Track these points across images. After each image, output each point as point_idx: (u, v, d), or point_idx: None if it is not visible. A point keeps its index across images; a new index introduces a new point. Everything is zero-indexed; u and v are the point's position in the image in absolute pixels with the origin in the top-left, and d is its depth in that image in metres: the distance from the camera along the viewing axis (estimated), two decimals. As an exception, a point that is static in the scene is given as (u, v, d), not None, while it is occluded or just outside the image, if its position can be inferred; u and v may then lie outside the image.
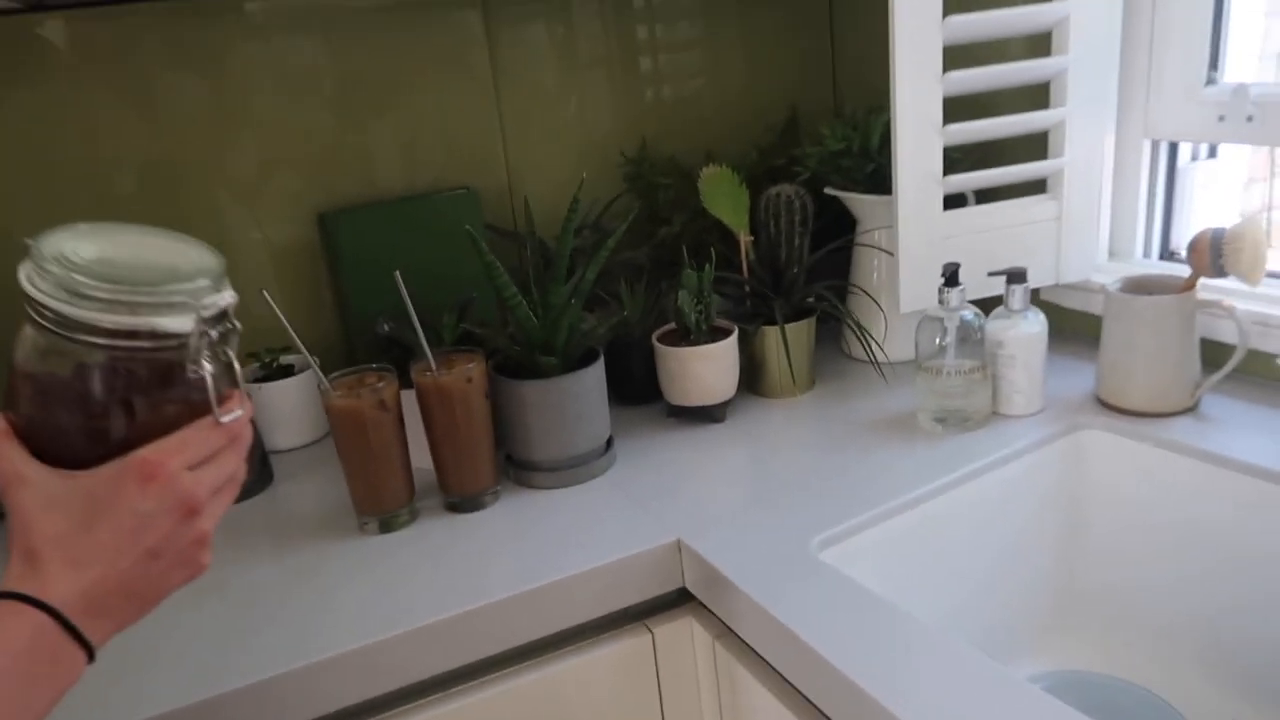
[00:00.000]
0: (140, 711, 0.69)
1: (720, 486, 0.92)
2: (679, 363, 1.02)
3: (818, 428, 1.02)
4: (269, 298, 0.83)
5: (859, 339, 1.09)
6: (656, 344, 1.04)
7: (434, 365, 0.88)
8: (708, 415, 1.05)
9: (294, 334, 0.86)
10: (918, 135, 0.98)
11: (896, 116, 0.97)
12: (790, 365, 1.06)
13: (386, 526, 0.89)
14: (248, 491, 1.00)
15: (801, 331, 1.07)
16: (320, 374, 0.87)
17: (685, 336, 1.04)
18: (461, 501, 0.92)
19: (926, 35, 0.95)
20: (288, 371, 1.12)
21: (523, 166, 1.28)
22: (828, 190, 1.15)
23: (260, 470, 1.02)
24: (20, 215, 1.06)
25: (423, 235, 1.18)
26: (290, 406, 1.10)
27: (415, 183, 1.23)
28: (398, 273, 0.86)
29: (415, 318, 0.87)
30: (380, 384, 0.88)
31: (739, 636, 0.80)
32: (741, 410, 1.07)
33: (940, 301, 0.94)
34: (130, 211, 1.10)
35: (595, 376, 0.95)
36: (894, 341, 1.12)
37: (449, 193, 1.22)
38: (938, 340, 0.95)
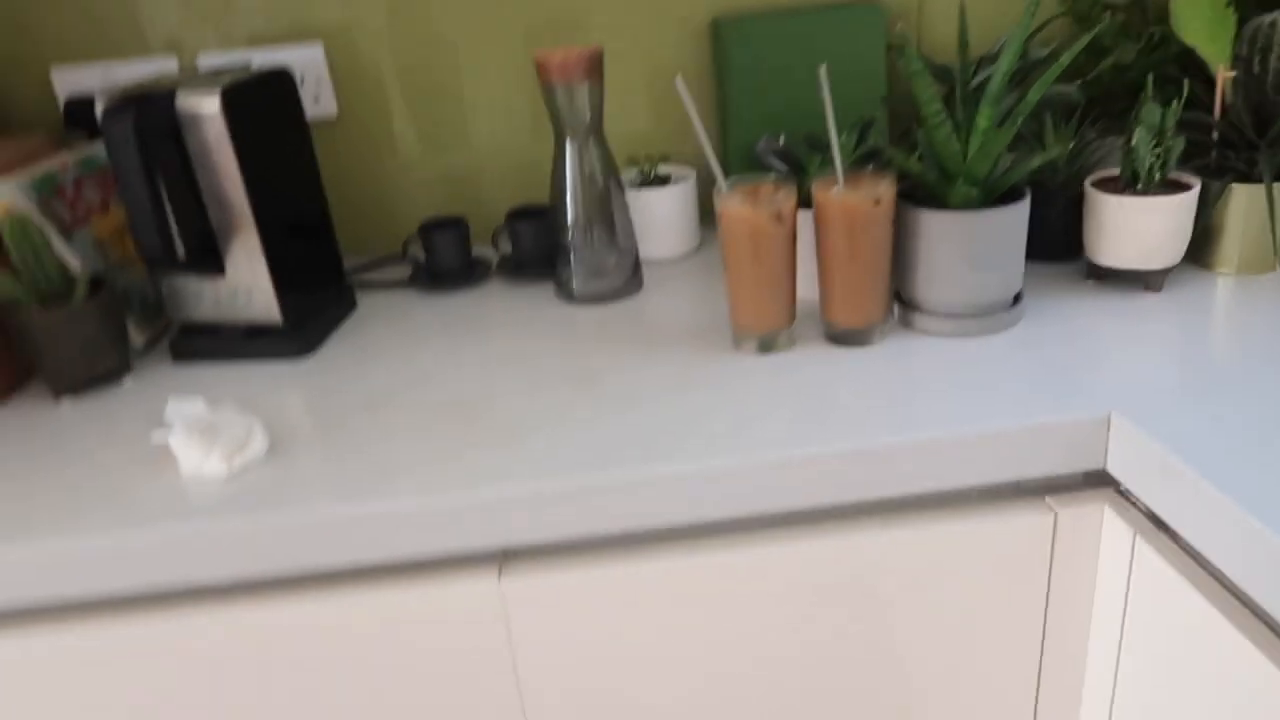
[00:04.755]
0: (475, 480, 0.69)
1: (1161, 368, 0.76)
2: (1120, 215, 0.85)
3: (1292, 316, 0.82)
4: (681, 87, 0.76)
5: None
6: (1091, 190, 0.87)
7: (842, 181, 0.79)
8: (1141, 282, 0.88)
9: (700, 128, 0.79)
10: None
11: None
12: (1275, 234, 0.85)
13: (766, 347, 0.83)
14: (615, 294, 0.98)
15: (1285, 195, 0.86)
16: (720, 174, 0.80)
17: (1130, 185, 0.87)
18: (845, 334, 0.84)
19: None
20: (664, 182, 1.07)
21: (938, -19, 1.12)
22: (1348, 22, 0.90)
23: (631, 277, 1.00)
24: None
25: (816, 51, 1.07)
26: (665, 216, 1.05)
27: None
28: (822, 68, 0.77)
29: (833, 121, 0.78)
30: (778, 195, 0.80)
31: (1176, 538, 0.67)
32: (1181, 282, 0.89)
33: None
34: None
35: (1018, 217, 0.81)
36: None
37: (851, 6, 1.10)
38: None
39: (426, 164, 1.15)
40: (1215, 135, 0.90)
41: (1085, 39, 0.79)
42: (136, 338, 0.94)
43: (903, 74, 0.79)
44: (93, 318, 0.85)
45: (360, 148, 1.13)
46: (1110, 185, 0.88)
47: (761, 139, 1.02)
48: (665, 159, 1.09)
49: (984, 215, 0.80)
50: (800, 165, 0.94)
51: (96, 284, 0.88)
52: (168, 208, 0.84)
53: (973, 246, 0.81)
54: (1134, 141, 0.84)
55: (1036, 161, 0.81)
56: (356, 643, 0.72)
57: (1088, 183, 0.89)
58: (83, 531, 0.67)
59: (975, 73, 1.02)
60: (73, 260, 0.90)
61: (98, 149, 1.00)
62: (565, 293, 0.99)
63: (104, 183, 0.99)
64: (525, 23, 1.09)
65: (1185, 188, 0.86)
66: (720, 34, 1.08)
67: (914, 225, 0.82)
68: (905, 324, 0.86)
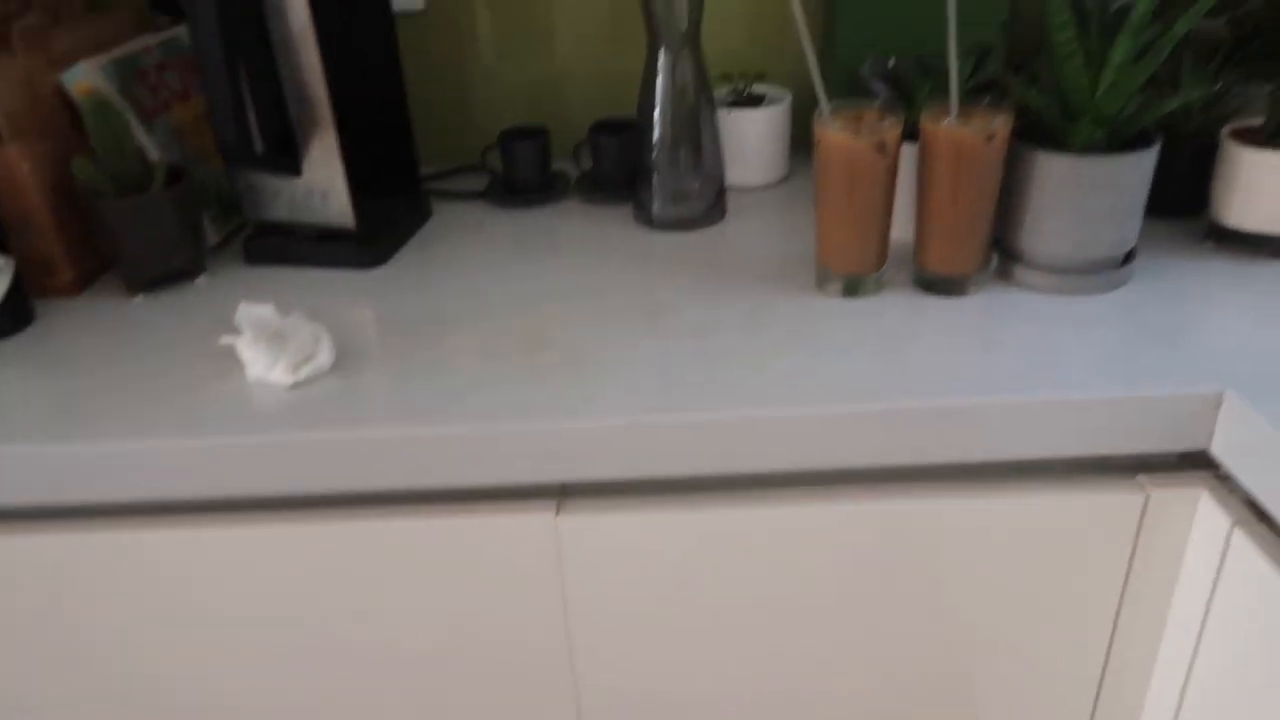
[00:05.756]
0: (562, 420, 0.66)
1: (1285, 340, 0.70)
2: (1257, 171, 0.78)
3: None
4: (795, 2, 0.71)
5: None
6: (1227, 141, 0.80)
7: (955, 111, 0.73)
8: (1269, 248, 0.81)
9: (809, 44, 0.74)
10: None
11: None
12: None
13: (851, 290, 0.79)
14: (695, 221, 0.94)
15: None
16: (823, 96, 0.75)
17: (1273, 138, 0.79)
18: (938, 281, 0.79)
19: None
20: (757, 102, 1.01)
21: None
22: None
23: (713, 204, 0.95)
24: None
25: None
26: (755, 140, 1.00)
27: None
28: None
29: (955, 47, 0.71)
30: (883, 124, 0.74)
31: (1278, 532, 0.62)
32: (1317, 250, 0.82)
33: None
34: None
35: (1145, 165, 0.74)
36: None
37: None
38: None
39: (510, 68, 1.10)
40: (1378, 87, 0.81)
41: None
42: (212, 235, 0.93)
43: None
44: (170, 209, 0.84)
45: (443, 46, 1.09)
46: (1250, 137, 0.80)
47: (868, 60, 0.95)
48: (761, 77, 1.03)
49: (1108, 161, 0.74)
50: (908, 91, 0.87)
51: (175, 175, 0.87)
52: (248, 99, 0.82)
53: (1091, 195, 0.74)
54: (1286, 90, 0.76)
55: (1173, 104, 0.73)
56: (406, 567, 0.72)
57: (1224, 132, 0.81)
58: (144, 435, 0.67)
59: None
60: (152, 148, 0.89)
61: (183, 32, 0.98)
62: (644, 216, 0.95)
63: (187, 69, 0.97)
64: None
65: (1337, 145, 0.77)
66: (830, -58, 1.00)
67: (1027, 166, 0.76)
68: (1003, 276, 0.81)
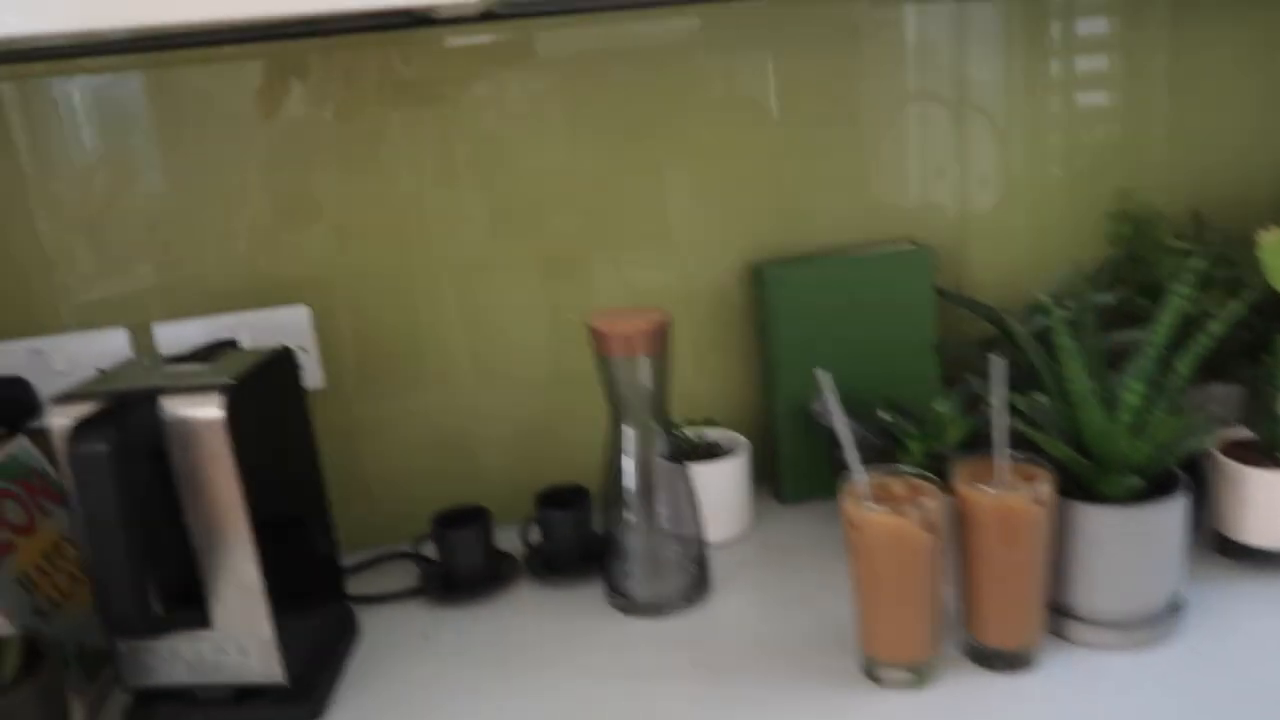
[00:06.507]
0: None
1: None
2: (1269, 491, 0.76)
3: None
4: (823, 380, 0.64)
5: None
6: (1226, 461, 0.78)
7: (1005, 478, 0.67)
8: (1291, 562, 0.78)
9: (843, 422, 0.66)
10: None
11: None
12: None
13: (919, 681, 0.68)
14: (681, 600, 0.82)
15: None
16: (859, 471, 0.67)
17: (1269, 454, 0.78)
18: (999, 656, 0.69)
19: None
20: (712, 453, 0.93)
21: (974, 220, 1.07)
22: None
23: (698, 577, 0.83)
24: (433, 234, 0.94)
25: (863, 297, 0.97)
26: (718, 494, 0.90)
27: (843, 235, 1.03)
28: (995, 359, 0.65)
29: (1003, 417, 0.66)
30: (924, 498, 0.67)
31: None
32: (1328, 558, 0.80)
33: None
34: (527, 241, 0.96)
35: (1181, 508, 0.71)
36: None
37: (898, 250, 1.01)
38: None
39: (428, 440, 0.97)
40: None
41: (1234, 307, 0.72)
42: (78, 712, 0.71)
43: (1022, 346, 0.70)
44: (30, 706, 0.63)
45: (350, 424, 0.95)
46: (1246, 454, 0.79)
47: (817, 399, 0.89)
48: (711, 423, 0.96)
49: (1150, 510, 0.69)
50: (897, 440, 0.82)
51: (33, 653, 0.66)
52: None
53: (1139, 544, 0.69)
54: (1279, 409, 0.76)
55: (1195, 443, 0.71)
56: None
57: (1215, 452, 0.80)
58: None
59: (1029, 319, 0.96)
60: (-6, 616, 0.68)
61: (18, 449, 0.79)
62: (620, 601, 0.82)
63: (28, 494, 0.78)
64: (537, 264, 0.95)
65: (1326, 455, 0.78)
66: (763, 280, 0.97)
67: (1068, 520, 0.70)
68: (1055, 631, 0.73)
